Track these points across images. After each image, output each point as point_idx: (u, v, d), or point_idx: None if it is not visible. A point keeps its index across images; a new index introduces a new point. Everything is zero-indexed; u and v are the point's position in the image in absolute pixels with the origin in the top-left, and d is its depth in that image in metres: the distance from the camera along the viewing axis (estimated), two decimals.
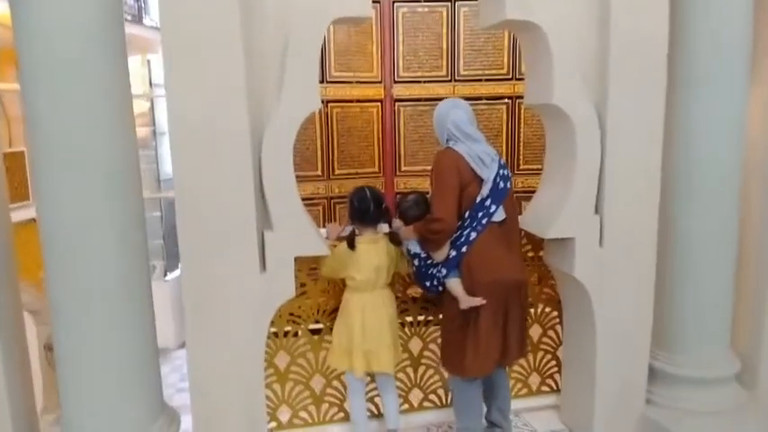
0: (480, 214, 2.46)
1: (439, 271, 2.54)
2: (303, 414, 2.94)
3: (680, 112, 2.68)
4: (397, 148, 6.08)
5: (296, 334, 2.87)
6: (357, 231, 2.71)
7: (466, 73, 5.97)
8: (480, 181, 2.48)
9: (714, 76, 2.61)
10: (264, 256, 2.37)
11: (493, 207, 2.47)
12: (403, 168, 6.08)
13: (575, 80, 2.59)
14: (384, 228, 2.75)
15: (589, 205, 2.70)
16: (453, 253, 2.48)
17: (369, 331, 2.67)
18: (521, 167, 6.14)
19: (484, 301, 2.42)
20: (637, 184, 2.71)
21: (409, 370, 3.04)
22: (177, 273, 7.59)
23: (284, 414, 2.91)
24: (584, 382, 2.90)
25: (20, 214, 4.46)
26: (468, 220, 2.46)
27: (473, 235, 2.46)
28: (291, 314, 2.81)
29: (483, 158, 2.48)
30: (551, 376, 3.24)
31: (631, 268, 2.77)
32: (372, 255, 2.68)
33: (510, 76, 5.98)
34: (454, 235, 2.47)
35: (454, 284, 2.49)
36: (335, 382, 2.94)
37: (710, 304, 2.81)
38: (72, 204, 2.01)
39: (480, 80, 5.95)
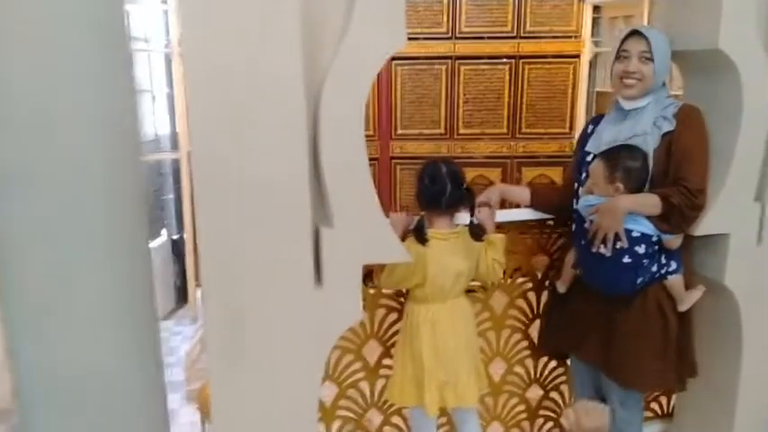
0: None
1: (665, 264, 1.92)
2: None
3: None
4: (393, 109, 5.62)
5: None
6: (428, 222, 1.98)
7: (467, 30, 5.49)
8: None
9: None
10: (320, 264, 1.64)
11: None
12: (399, 132, 5.60)
13: (749, 19, 1.86)
14: (464, 218, 2.02)
15: (749, 190, 2.00)
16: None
17: (443, 355, 1.98)
18: (523, 131, 5.79)
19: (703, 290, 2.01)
20: None
21: (488, 399, 2.35)
22: (160, 240, 6.93)
23: None
24: (713, 410, 2.26)
25: None
26: None
27: None
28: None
29: None
30: (656, 399, 2.58)
31: None
32: (449, 254, 1.96)
33: (514, 34, 5.55)
34: None
35: (680, 281, 1.96)
36: (396, 419, 2.25)
37: None
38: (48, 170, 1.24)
39: (483, 38, 5.48)
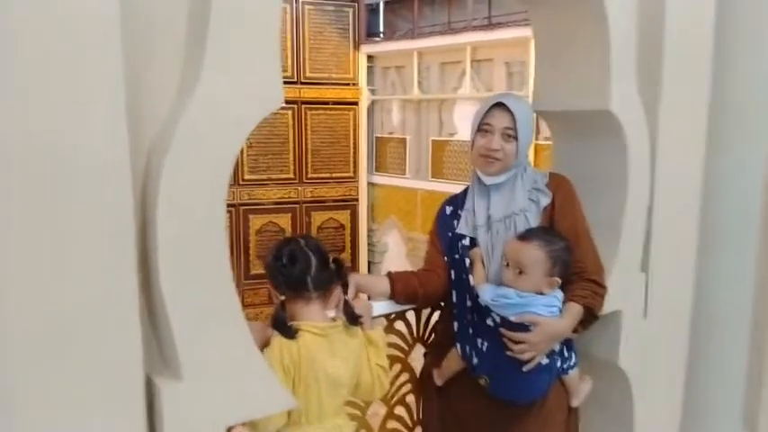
0: None
1: (567, 359, 1.69)
2: None
3: None
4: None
5: None
6: (288, 313, 1.47)
7: None
8: None
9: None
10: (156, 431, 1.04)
11: None
12: None
13: (633, 79, 1.73)
14: (333, 304, 1.55)
15: (636, 260, 1.86)
16: None
17: None
18: (309, 176, 5.86)
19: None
20: (679, 229, 1.97)
21: None
22: None
23: None
24: None
25: None
26: None
27: None
28: None
29: None
30: None
31: (667, 344, 2.03)
32: (328, 355, 1.46)
33: (295, 80, 5.61)
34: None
35: (577, 375, 1.74)
36: None
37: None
38: None
39: None
